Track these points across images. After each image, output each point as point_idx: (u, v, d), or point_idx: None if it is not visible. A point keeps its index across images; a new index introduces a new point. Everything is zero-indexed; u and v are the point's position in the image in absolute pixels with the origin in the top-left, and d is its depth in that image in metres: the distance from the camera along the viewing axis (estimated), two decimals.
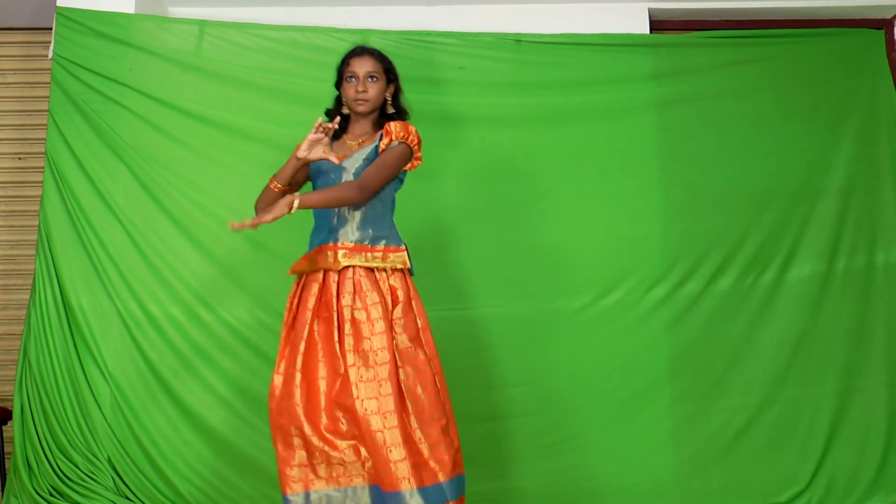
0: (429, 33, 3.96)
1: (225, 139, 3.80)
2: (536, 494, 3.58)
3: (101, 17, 3.84)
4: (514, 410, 3.66)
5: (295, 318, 2.76)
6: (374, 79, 2.84)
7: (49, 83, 3.85)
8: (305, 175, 2.89)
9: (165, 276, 3.69)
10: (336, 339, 2.66)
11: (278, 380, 2.71)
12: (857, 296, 3.81)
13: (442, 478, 2.59)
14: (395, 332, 2.68)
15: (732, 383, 3.72)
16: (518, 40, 3.95)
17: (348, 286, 2.69)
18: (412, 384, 2.65)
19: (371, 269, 2.72)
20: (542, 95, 3.91)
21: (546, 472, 3.60)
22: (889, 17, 4.27)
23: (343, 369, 2.64)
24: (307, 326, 2.71)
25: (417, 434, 2.61)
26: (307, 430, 2.63)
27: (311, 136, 2.68)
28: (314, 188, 2.85)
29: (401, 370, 2.65)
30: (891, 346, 3.78)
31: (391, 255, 2.75)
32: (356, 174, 2.76)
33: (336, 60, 2.91)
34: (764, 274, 3.81)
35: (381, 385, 2.60)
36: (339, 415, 2.64)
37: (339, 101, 2.92)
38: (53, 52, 3.82)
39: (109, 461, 3.55)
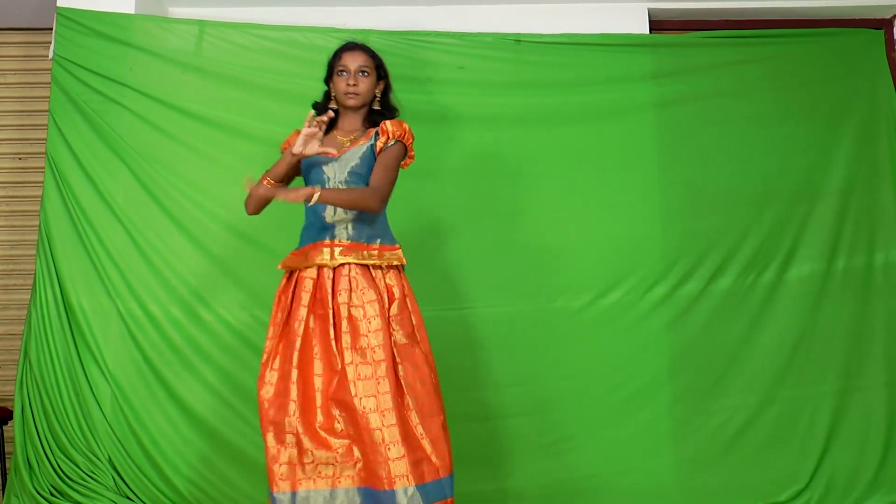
0: (429, 33, 3.96)
1: (225, 139, 3.80)
2: (536, 494, 3.58)
3: (102, 17, 3.85)
4: (514, 410, 3.65)
5: (289, 314, 2.74)
6: (366, 73, 2.85)
7: (49, 83, 3.85)
8: (297, 170, 2.88)
9: (165, 275, 3.69)
10: (332, 336, 2.66)
11: (271, 376, 2.69)
12: (857, 295, 3.81)
13: (443, 473, 2.59)
14: (393, 330, 2.69)
15: (732, 383, 3.71)
16: (518, 40, 3.95)
17: (344, 283, 2.69)
18: (412, 380, 2.65)
19: (367, 267, 2.72)
20: (541, 95, 3.90)
21: (546, 472, 3.59)
22: (889, 17, 4.27)
23: (340, 366, 2.63)
24: (303, 323, 2.70)
25: (419, 430, 2.61)
26: (300, 427, 2.62)
27: (306, 131, 2.68)
28: (306, 181, 2.84)
29: (399, 367, 2.65)
30: (890, 345, 3.78)
31: (387, 252, 2.76)
32: (352, 170, 2.77)
33: None
34: (763, 274, 3.81)
35: (378, 383, 2.60)
36: (336, 412, 2.64)
37: (327, 96, 2.92)
38: (54, 52, 3.82)
39: (110, 461, 3.55)
